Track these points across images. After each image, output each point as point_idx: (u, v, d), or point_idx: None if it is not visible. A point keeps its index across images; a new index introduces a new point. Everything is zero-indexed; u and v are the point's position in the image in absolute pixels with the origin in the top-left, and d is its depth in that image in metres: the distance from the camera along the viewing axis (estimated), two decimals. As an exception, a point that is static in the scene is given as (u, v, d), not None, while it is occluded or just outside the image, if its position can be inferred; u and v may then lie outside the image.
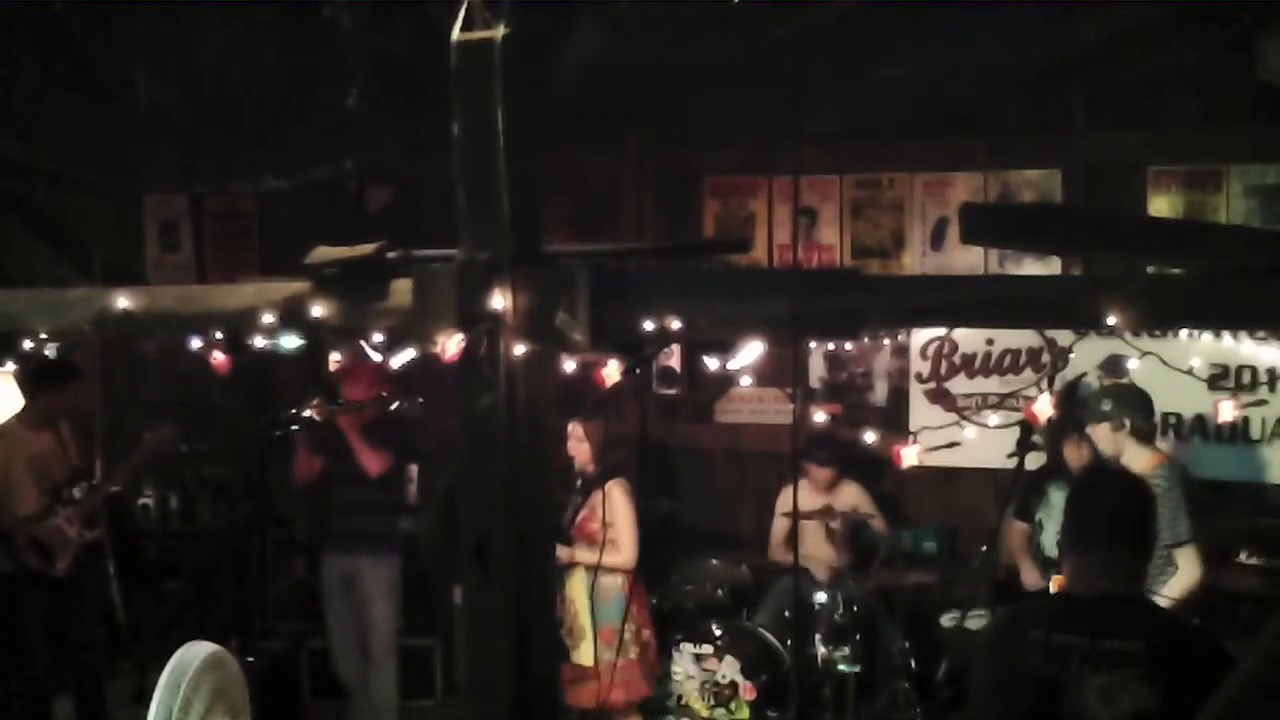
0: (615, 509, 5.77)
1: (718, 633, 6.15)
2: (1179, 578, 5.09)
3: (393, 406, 6.17)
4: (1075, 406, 5.87)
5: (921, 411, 7.15)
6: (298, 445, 6.21)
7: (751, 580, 6.89)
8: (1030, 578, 6.04)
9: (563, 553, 5.67)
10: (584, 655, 5.71)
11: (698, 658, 6.13)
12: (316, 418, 5.97)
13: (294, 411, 6.00)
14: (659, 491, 7.12)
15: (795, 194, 7.43)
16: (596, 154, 7.40)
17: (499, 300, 2.87)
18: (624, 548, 5.73)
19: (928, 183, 7.17)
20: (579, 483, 5.88)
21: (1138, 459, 5.27)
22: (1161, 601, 4.99)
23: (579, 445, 5.81)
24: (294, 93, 5.76)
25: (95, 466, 6.52)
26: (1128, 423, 5.27)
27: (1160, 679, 2.82)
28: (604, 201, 7.51)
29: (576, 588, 5.76)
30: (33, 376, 6.28)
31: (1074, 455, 5.86)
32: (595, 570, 5.60)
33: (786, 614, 6.43)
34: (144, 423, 6.90)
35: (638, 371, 3.18)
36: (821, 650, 6.13)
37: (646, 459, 7.22)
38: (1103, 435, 5.33)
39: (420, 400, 6.24)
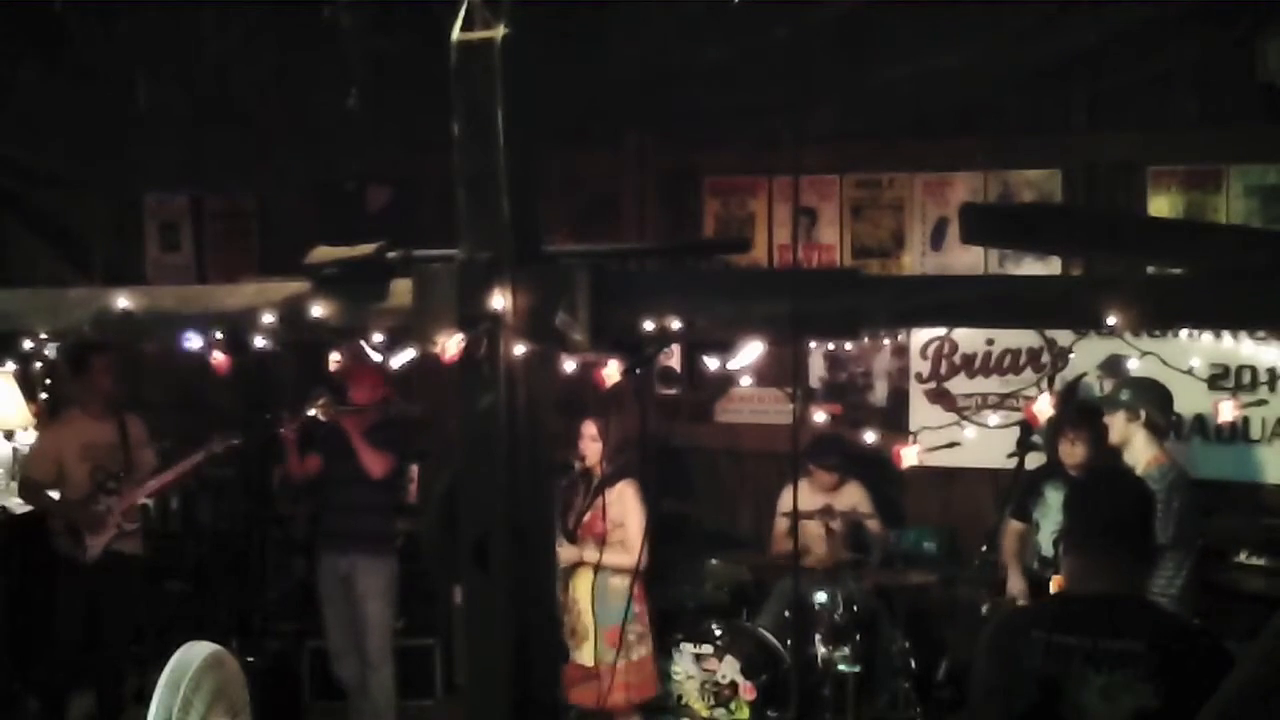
0: (626, 510, 5.76)
1: (718, 633, 6.15)
2: None
3: (396, 410, 6.19)
4: (1070, 405, 5.89)
5: (921, 411, 7.14)
6: (286, 443, 6.23)
7: (751, 580, 6.89)
8: (1016, 586, 6.04)
9: (569, 552, 5.67)
10: (585, 655, 5.71)
11: (698, 658, 6.13)
12: (322, 417, 5.99)
13: (298, 410, 6.03)
14: (666, 491, 7.12)
15: (795, 194, 7.42)
16: (596, 154, 7.40)
17: (499, 300, 2.87)
18: (632, 548, 5.71)
19: (928, 183, 7.17)
20: (588, 482, 5.86)
21: (1142, 453, 5.27)
22: None
23: (592, 444, 5.80)
24: (294, 93, 5.76)
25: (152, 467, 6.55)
26: (1143, 414, 5.29)
27: (1162, 679, 2.82)
28: (604, 201, 7.51)
29: (582, 588, 5.75)
30: (65, 365, 6.37)
31: (1068, 453, 5.86)
32: (602, 570, 5.60)
33: (787, 614, 6.42)
34: (144, 423, 6.89)
35: (638, 371, 3.18)
36: (821, 650, 6.13)
37: (654, 459, 7.21)
38: (1117, 424, 5.34)
39: (422, 402, 6.26)
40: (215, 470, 7.70)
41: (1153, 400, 5.39)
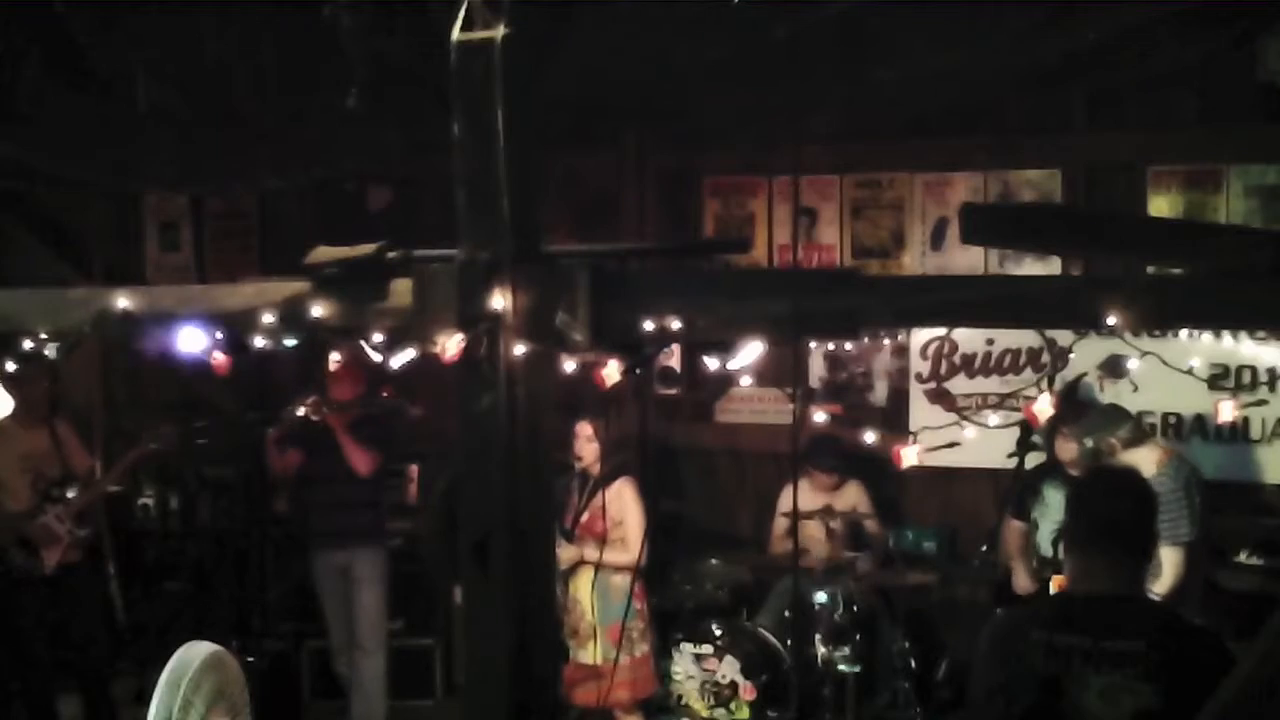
0: (625, 508, 5.78)
1: (718, 633, 6.15)
2: (1163, 579, 5.10)
3: (380, 406, 6.21)
4: (1068, 404, 5.90)
5: (921, 411, 7.14)
6: (269, 438, 6.23)
7: (751, 580, 6.90)
8: (1023, 582, 6.05)
9: (569, 552, 5.68)
10: (592, 655, 5.72)
11: (698, 658, 6.13)
12: (313, 417, 6.00)
13: (288, 410, 6.04)
14: (663, 491, 7.13)
15: (795, 194, 7.42)
16: (596, 154, 7.40)
17: (499, 300, 2.87)
18: (632, 546, 5.73)
19: (928, 183, 7.16)
20: (585, 481, 5.87)
21: (1145, 460, 5.30)
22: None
23: (588, 444, 5.81)
24: (294, 93, 5.76)
25: (94, 466, 6.53)
26: (1114, 442, 5.32)
27: (1162, 679, 2.82)
28: (604, 201, 7.50)
29: (583, 588, 5.76)
30: (5, 375, 6.32)
31: (1063, 449, 5.87)
32: (603, 569, 5.60)
33: (787, 614, 6.43)
34: (144, 423, 6.90)
35: (638, 371, 3.18)
36: (821, 650, 6.13)
37: (650, 459, 7.21)
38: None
39: (410, 399, 6.28)
40: (215, 470, 7.72)
41: (1107, 424, 5.42)
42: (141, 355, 7.72)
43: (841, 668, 6.05)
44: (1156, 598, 5.01)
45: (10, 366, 6.26)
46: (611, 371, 3.11)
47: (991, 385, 7.04)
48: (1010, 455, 5.89)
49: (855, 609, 6.15)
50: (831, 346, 7.18)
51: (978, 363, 7.08)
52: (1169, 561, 5.12)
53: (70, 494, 6.26)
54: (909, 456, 4.67)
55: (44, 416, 6.37)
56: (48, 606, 6.25)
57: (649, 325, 2.99)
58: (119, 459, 6.57)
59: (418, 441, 7.03)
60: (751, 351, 3.30)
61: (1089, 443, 5.40)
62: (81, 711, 6.47)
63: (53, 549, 6.19)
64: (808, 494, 6.63)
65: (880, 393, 7.34)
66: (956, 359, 7.11)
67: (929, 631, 6.51)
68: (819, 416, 6.22)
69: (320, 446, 6.16)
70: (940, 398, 7.14)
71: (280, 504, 7.27)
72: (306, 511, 6.58)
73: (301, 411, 6.02)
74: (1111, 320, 2.69)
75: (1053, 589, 5.36)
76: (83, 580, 6.42)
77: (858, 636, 6.07)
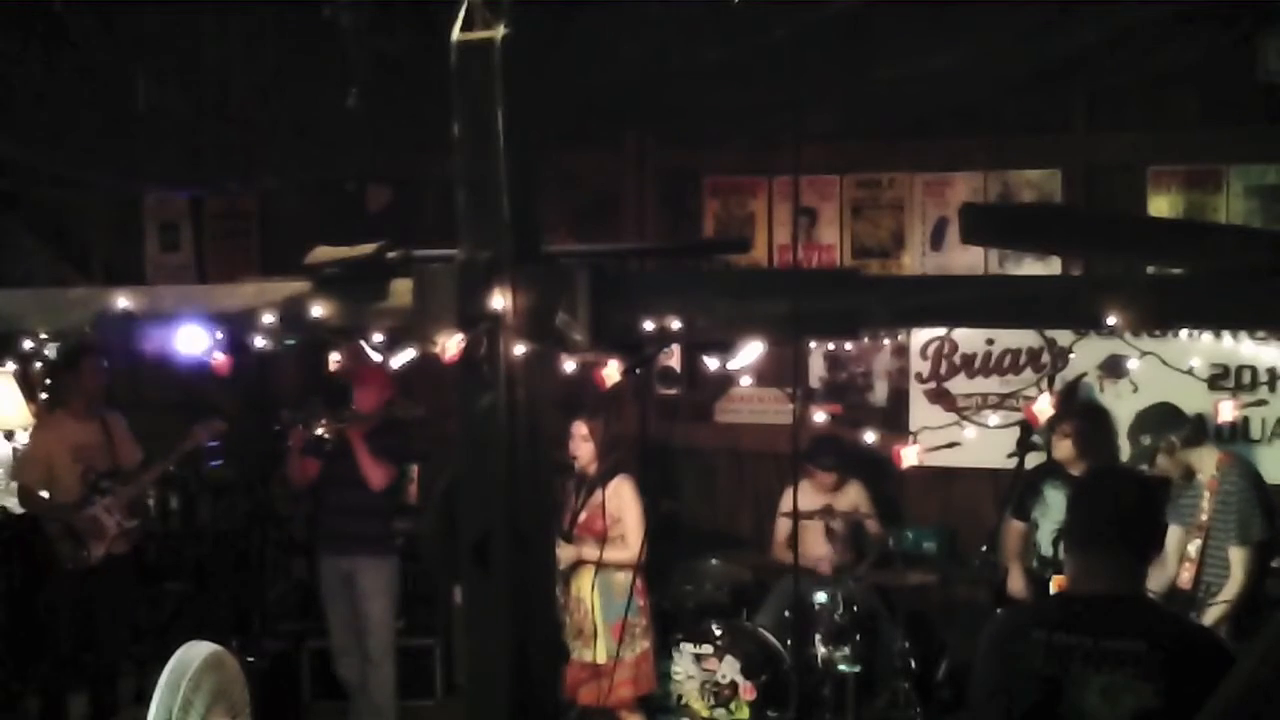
0: (624, 505, 5.79)
1: (718, 633, 6.15)
2: (1232, 581, 5.10)
3: (398, 413, 6.20)
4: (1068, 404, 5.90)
5: (921, 411, 7.14)
6: (291, 449, 6.23)
7: (751, 580, 6.89)
8: (1017, 585, 6.05)
9: (569, 552, 5.69)
10: (597, 653, 5.72)
11: (698, 658, 6.13)
12: (327, 435, 6.00)
13: (302, 427, 6.03)
14: (662, 491, 7.12)
15: (795, 194, 7.42)
16: (596, 154, 7.40)
17: (499, 300, 2.87)
18: (632, 543, 5.73)
19: (928, 183, 7.16)
20: (582, 481, 5.88)
21: (1205, 460, 5.30)
22: (1217, 608, 5.03)
23: (583, 444, 5.82)
24: (294, 93, 5.76)
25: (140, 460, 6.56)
26: (1174, 440, 5.31)
27: (1162, 679, 2.82)
28: (604, 201, 7.50)
29: (585, 587, 5.77)
30: (54, 365, 6.38)
31: (1057, 447, 5.87)
32: (604, 567, 5.61)
33: (787, 614, 6.42)
34: (144, 423, 6.89)
35: (638, 371, 3.18)
36: (821, 650, 6.13)
37: (648, 458, 7.21)
38: (1164, 465, 5.36)
39: (410, 400, 6.27)
40: (215, 471, 7.71)
41: (1164, 425, 5.41)
42: (142, 355, 7.73)
43: (841, 668, 6.05)
44: (1227, 601, 5.04)
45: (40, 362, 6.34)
46: (611, 371, 3.11)
47: (991, 385, 7.04)
48: (1010, 455, 5.88)
49: (855, 609, 6.15)
50: (831, 346, 7.18)
51: (978, 363, 7.08)
52: (1239, 562, 5.12)
53: (117, 487, 6.30)
54: (909, 456, 4.67)
55: (96, 408, 6.41)
56: (81, 599, 6.27)
57: (649, 325, 2.99)
58: (165, 452, 6.58)
59: (418, 442, 7.03)
60: (751, 351, 3.30)
61: (1145, 441, 5.39)
62: (87, 710, 6.48)
63: (100, 541, 6.22)
64: (808, 494, 6.63)
65: (880, 393, 7.33)
66: (956, 359, 7.11)
67: (929, 631, 6.51)
68: (819, 416, 6.22)
69: (337, 451, 6.14)
70: (940, 398, 7.13)
71: (282, 505, 7.26)
72: (313, 514, 6.58)
73: (319, 431, 6.02)
74: (1111, 320, 2.69)
75: (1053, 589, 5.36)
76: (123, 573, 6.43)
77: (858, 636, 6.07)
